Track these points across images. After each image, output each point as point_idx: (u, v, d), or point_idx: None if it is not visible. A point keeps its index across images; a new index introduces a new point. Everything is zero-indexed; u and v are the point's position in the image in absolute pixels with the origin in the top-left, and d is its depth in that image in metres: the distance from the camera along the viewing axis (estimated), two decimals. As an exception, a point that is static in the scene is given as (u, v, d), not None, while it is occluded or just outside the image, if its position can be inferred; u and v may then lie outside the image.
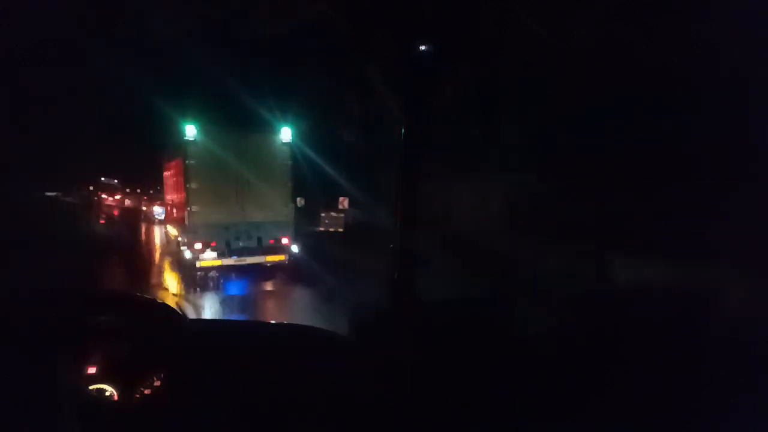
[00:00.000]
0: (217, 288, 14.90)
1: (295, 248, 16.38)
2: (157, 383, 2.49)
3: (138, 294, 2.93)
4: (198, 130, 15.35)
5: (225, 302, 13.35)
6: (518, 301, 3.18)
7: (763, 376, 2.67)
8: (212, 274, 15.64)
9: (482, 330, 3.02)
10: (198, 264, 15.42)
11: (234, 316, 11.71)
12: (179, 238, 17.39)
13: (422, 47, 3.06)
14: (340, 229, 25.65)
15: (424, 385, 2.68)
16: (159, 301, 2.85)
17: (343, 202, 26.60)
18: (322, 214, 26.13)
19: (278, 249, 16.05)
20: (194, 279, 15.59)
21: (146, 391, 2.47)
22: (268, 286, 15.33)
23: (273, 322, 4.09)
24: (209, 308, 12.68)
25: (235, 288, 14.93)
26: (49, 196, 44.34)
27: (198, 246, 15.47)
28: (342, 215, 26.23)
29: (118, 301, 2.85)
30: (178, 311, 2.78)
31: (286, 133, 16.17)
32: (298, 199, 17.15)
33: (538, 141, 14.18)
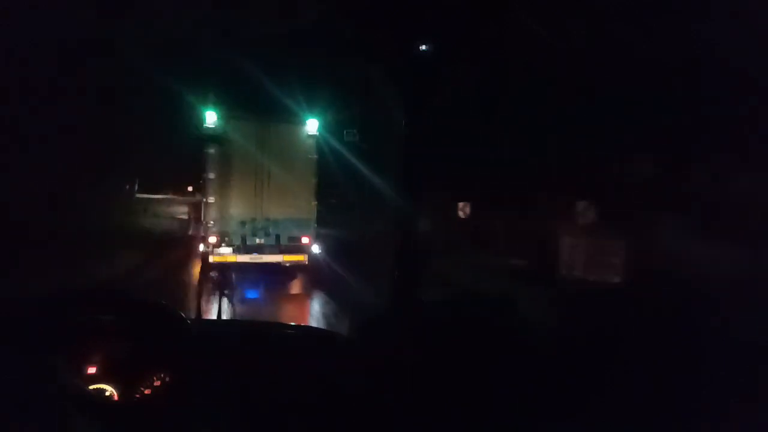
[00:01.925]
0: (228, 286, 14.51)
1: (316, 248, 15.75)
2: (157, 383, 2.56)
3: (137, 294, 2.99)
4: (219, 117, 15.07)
5: (235, 302, 13.10)
6: (518, 301, 3.23)
7: (762, 376, 2.70)
8: (226, 270, 15.20)
9: (482, 330, 3.06)
10: (211, 259, 14.96)
11: (241, 317, 11.51)
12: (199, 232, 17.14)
13: (422, 47, 3.12)
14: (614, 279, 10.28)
15: (424, 385, 2.73)
16: (159, 301, 2.90)
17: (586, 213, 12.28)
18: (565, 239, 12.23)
19: (298, 248, 15.42)
20: (206, 275, 15.32)
21: (146, 392, 2.53)
22: (283, 289, 14.98)
23: (273, 322, 4.13)
24: (216, 307, 12.51)
25: (246, 288, 14.49)
26: (141, 198, 43.57)
27: (212, 240, 15.10)
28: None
29: (117, 301, 2.90)
30: (178, 312, 2.84)
31: (312, 125, 15.60)
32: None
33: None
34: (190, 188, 13.79)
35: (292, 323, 9.46)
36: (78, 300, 2.83)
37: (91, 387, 2.50)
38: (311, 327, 3.37)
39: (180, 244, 22.16)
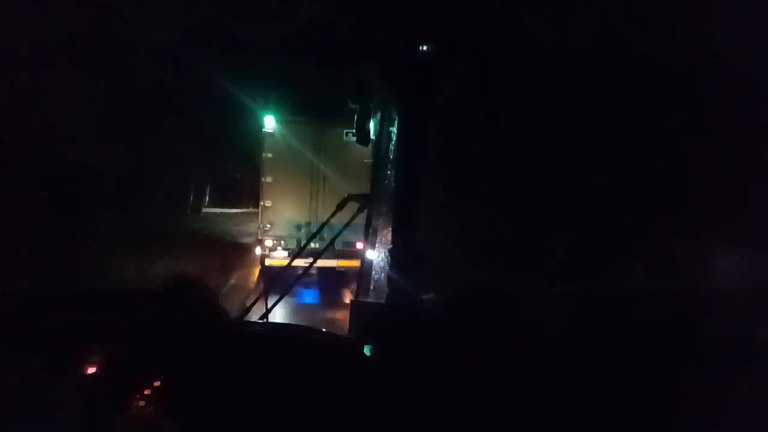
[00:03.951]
0: (277, 290, 14.60)
1: (370, 254, 15.41)
2: (157, 384, 2.62)
3: (138, 294, 3.07)
4: (277, 122, 15.34)
5: (279, 306, 13.24)
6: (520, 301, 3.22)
7: (762, 377, 2.65)
8: (277, 274, 14.97)
9: (483, 330, 3.06)
10: (267, 262, 15.33)
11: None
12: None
13: (423, 47, 3.15)
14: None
15: (425, 385, 2.75)
16: (158, 303, 2.97)
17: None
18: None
19: (351, 254, 15.03)
20: (258, 277, 15.84)
21: (146, 392, 2.60)
22: (336, 294, 14.99)
23: (273, 322, 4.15)
24: (257, 310, 12.64)
25: (303, 292, 14.69)
26: (209, 213, 36.63)
27: (268, 243, 15.42)
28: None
29: (117, 303, 2.96)
30: (176, 314, 2.88)
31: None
32: None
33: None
34: (269, 202, 13.85)
35: (292, 323, 9.50)
36: (78, 302, 2.92)
37: (90, 388, 2.54)
38: (310, 327, 3.39)
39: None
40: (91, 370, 2.60)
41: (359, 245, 15.03)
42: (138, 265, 14.10)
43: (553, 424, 2.56)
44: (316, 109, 16.03)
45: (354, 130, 3.71)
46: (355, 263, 14.87)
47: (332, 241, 14.55)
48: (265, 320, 4.37)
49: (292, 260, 6.05)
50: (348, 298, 14.64)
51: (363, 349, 3.08)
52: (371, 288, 4.89)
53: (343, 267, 15.30)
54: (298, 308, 13.21)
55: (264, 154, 15.54)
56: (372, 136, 12.70)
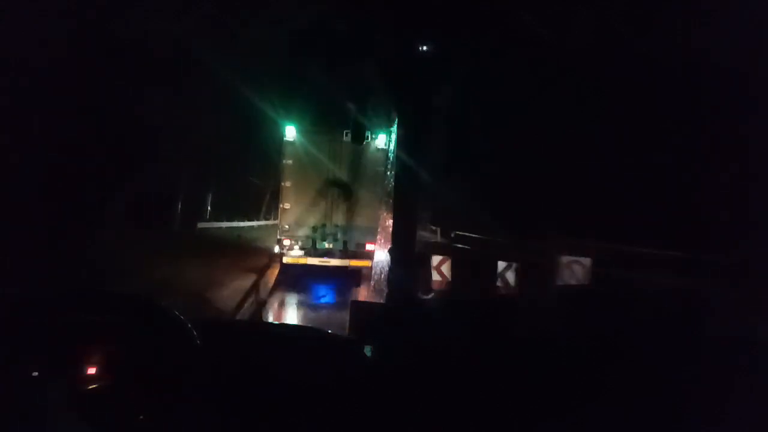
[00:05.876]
0: (291, 285, 15.32)
1: (380, 255, 15.92)
2: (156, 384, 2.55)
3: (138, 295, 2.99)
4: (297, 131, 16.14)
5: (293, 302, 13.84)
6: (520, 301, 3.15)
7: (762, 377, 2.57)
8: (294, 271, 15.94)
9: (483, 329, 2.99)
10: (284, 260, 16.07)
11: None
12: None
13: (423, 47, 3.08)
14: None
15: (425, 385, 2.68)
16: (158, 302, 2.89)
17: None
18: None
19: (363, 254, 16.15)
20: (276, 274, 16.15)
21: (145, 393, 2.53)
22: (347, 292, 15.12)
23: (273, 322, 4.09)
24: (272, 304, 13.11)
25: (316, 290, 15.08)
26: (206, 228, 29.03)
27: (286, 243, 16.10)
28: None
29: (115, 302, 2.89)
30: (174, 312, 2.81)
31: (381, 140, 16.19)
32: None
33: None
34: (288, 205, 13.84)
35: (292, 324, 9.46)
36: (75, 301, 2.85)
37: (87, 389, 2.43)
38: (310, 327, 3.33)
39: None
40: (91, 370, 2.49)
41: (370, 247, 15.91)
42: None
43: (553, 424, 2.48)
44: (334, 120, 16.43)
45: (350, 130, 3.68)
46: (366, 263, 15.99)
47: (345, 243, 15.27)
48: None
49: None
50: (359, 296, 14.90)
51: (363, 349, 3.02)
52: (383, 288, 4.83)
53: (354, 267, 16.22)
54: (311, 305, 13.64)
55: (284, 161, 16.44)
56: (368, 137, 13.00)
